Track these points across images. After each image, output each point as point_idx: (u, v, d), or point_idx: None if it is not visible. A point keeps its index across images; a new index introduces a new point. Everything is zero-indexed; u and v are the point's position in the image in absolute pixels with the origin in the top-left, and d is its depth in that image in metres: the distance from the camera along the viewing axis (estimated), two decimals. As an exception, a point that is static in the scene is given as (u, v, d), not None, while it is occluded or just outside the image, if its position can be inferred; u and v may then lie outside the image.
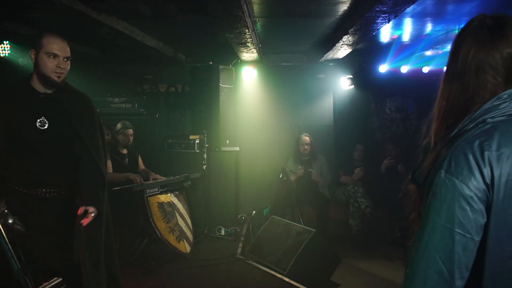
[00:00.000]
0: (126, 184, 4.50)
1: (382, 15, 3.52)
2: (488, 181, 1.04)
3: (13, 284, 1.50)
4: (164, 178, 4.98)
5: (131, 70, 6.35)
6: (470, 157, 1.05)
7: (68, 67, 2.35)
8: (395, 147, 5.70)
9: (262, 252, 4.45)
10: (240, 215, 5.91)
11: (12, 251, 1.46)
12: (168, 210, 4.74)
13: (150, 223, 4.45)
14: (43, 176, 2.35)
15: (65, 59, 2.33)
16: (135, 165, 5.11)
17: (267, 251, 4.42)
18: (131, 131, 4.98)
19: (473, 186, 1.04)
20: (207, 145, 5.56)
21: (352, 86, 6.27)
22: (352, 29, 4.03)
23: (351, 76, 6.23)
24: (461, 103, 1.15)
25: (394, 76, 6.04)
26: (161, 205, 4.69)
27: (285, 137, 6.18)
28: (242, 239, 5.19)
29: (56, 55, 2.28)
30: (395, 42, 5.29)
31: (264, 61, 6.09)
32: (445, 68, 1.21)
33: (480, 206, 1.04)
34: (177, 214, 4.85)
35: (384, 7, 3.28)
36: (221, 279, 4.09)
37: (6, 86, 2.39)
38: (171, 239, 4.56)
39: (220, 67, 5.79)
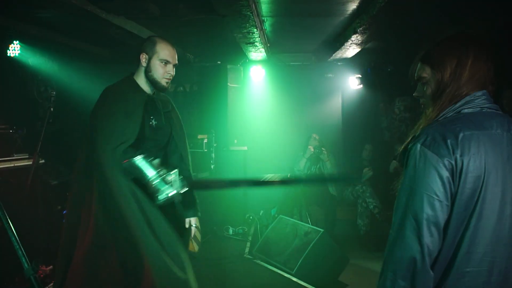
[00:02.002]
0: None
1: (392, 14, 3.50)
2: (457, 158, 1.23)
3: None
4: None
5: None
6: (444, 136, 1.26)
7: (174, 73, 2.45)
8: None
9: (270, 252, 4.44)
10: (247, 215, 5.91)
11: (22, 250, 1.47)
12: (176, 209, 4.75)
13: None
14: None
15: (174, 66, 2.44)
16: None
17: (275, 250, 4.41)
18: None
19: (444, 159, 1.24)
20: (215, 144, 5.56)
21: (361, 86, 6.24)
22: (361, 28, 4.01)
23: (360, 76, 6.20)
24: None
25: (403, 75, 5.99)
26: (169, 204, 4.70)
27: (293, 136, 6.17)
28: (250, 239, 5.19)
29: (168, 62, 2.38)
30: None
31: (272, 60, 6.08)
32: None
33: (448, 176, 1.23)
34: (185, 213, 4.86)
35: (393, 6, 3.26)
36: (229, 278, 4.09)
37: (118, 85, 2.45)
38: (179, 238, 4.57)
39: (228, 66, 5.80)
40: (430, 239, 1.23)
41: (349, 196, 5.44)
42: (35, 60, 5.29)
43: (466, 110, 1.34)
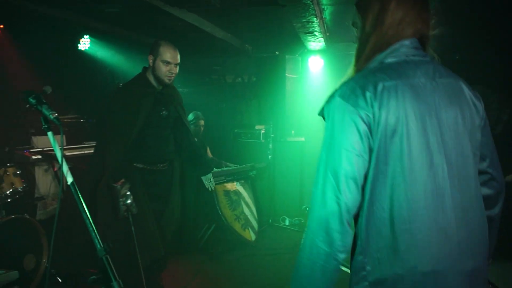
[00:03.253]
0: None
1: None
2: (375, 111, 1.15)
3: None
4: (235, 166, 5.12)
5: (199, 61, 6.53)
6: (363, 88, 1.18)
7: (177, 71, 2.84)
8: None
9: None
10: (304, 206, 5.89)
11: (96, 231, 1.57)
12: (234, 198, 4.85)
13: (216, 210, 4.58)
14: (160, 154, 2.91)
15: (175, 65, 2.81)
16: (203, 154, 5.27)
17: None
18: (202, 122, 5.13)
19: (362, 112, 1.16)
20: (272, 135, 5.59)
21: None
22: (427, 15, 3.82)
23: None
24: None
25: (473, 64, 5.65)
26: (227, 193, 4.81)
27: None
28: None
29: (169, 63, 2.76)
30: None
31: (331, 50, 5.97)
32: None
33: (366, 129, 1.16)
34: (242, 203, 4.94)
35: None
36: (285, 269, 4.12)
37: (130, 84, 2.92)
38: (237, 226, 4.67)
39: (286, 57, 5.77)
40: (349, 195, 1.15)
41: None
42: (103, 53, 5.59)
43: (389, 60, 1.24)
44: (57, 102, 2.60)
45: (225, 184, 4.83)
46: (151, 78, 2.83)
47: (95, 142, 4.76)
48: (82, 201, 1.61)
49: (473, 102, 1.26)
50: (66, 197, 3.82)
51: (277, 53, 5.86)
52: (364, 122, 1.16)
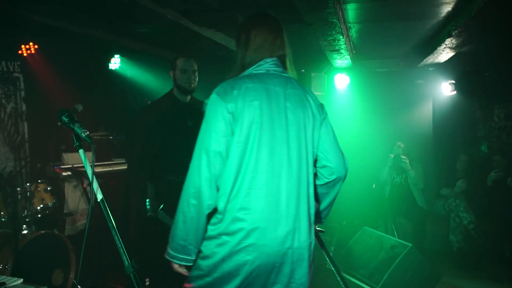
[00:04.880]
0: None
1: (492, 15, 3.24)
2: (238, 104, 1.59)
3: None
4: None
5: (225, 79, 6.58)
6: (232, 87, 1.63)
7: (197, 78, 2.98)
8: (504, 158, 5.17)
9: (353, 264, 4.31)
10: (329, 224, 5.79)
11: (124, 248, 1.58)
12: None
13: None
14: (183, 160, 2.80)
15: (193, 72, 2.94)
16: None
17: (358, 263, 4.27)
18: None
19: (228, 104, 1.59)
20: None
21: (455, 92, 5.84)
22: (456, 31, 3.76)
23: (454, 81, 5.81)
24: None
25: (504, 80, 5.51)
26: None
27: (379, 145, 5.93)
28: (332, 249, 5.08)
29: (186, 70, 2.92)
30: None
31: (358, 67, 5.94)
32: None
33: (230, 118, 1.58)
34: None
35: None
36: (311, 289, 4.04)
37: (159, 99, 3.06)
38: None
39: (312, 74, 5.77)
40: (217, 166, 1.59)
41: (441, 210, 5.09)
42: (132, 71, 5.72)
43: (255, 71, 1.72)
44: (88, 119, 2.67)
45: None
46: (176, 92, 2.99)
47: (124, 159, 4.86)
48: (112, 218, 1.63)
49: (316, 108, 1.75)
50: (94, 213, 3.89)
51: (303, 70, 5.87)
52: (229, 112, 1.59)
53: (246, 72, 1.72)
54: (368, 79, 6.11)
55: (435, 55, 4.87)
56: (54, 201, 3.63)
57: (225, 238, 1.59)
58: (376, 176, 5.11)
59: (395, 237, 4.44)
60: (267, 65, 1.72)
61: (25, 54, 4.51)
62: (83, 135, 1.64)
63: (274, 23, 1.80)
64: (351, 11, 3.67)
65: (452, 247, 4.80)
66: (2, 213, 3.37)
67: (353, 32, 4.38)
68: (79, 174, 4.26)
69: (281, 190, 1.62)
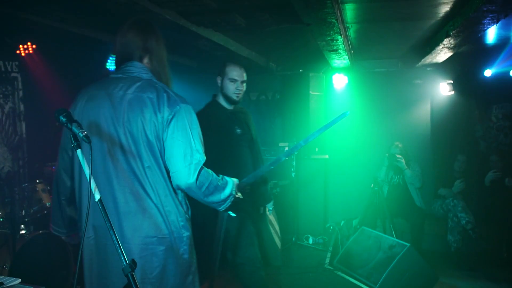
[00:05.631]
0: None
1: (490, 15, 3.24)
2: (77, 106, 1.88)
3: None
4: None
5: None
6: (79, 93, 1.94)
7: (244, 89, 2.95)
8: (501, 158, 5.19)
9: (352, 264, 4.31)
10: (328, 224, 5.80)
11: (121, 248, 1.57)
12: (257, 216, 4.82)
13: (240, 228, 4.55)
14: (233, 170, 2.81)
15: (242, 82, 2.91)
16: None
17: (357, 263, 4.28)
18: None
19: (72, 106, 1.89)
20: (296, 152, 5.56)
21: (453, 92, 5.85)
22: (454, 31, 3.76)
23: (452, 82, 5.82)
24: None
25: (502, 81, 5.52)
26: (250, 210, 4.78)
27: (377, 145, 5.94)
28: (331, 249, 5.09)
29: (236, 80, 2.87)
30: (509, 44, 4.84)
31: (356, 67, 5.95)
32: None
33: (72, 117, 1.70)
34: (265, 220, 4.90)
35: (492, 6, 3.02)
36: (309, 288, 4.05)
37: (203, 109, 2.99)
38: (260, 244, 4.62)
39: (310, 74, 5.78)
40: (61, 161, 1.93)
41: (439, 210, 5.10)
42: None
43: (112, 75, 1.88)
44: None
45: (249, 202, 4.81)
46: (221, 100, 2.96)
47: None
48: (109, 218, 1.63)
49: (158, 110, 1.76)
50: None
51: (301, 70, 5.88)
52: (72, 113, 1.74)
53: (109, 75, 1.95)
54: (366, 79, 6.11)
55: (433, 55, 4.87)
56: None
57: None
58: (374, 176, 5.12)
59: (393, 237, 4.44)
60: (126, 68, 1.88)
61: (23, 54, 4.50)
62: (81, 135, 1.63)
63: (143, 27, 1.97)
64: (349, 11, 3.67)
65: (450, 247, 4.81)
66: (0, 213, 3.36)
67: (351, 32, 4.39)
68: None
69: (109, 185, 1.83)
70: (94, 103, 1.80)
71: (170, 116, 1.75)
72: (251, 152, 3.08)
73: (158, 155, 1.77)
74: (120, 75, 1.85)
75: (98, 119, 1.77)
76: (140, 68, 1.86)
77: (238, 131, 2.95)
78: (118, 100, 1.77)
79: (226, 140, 2.88)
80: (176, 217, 1.81)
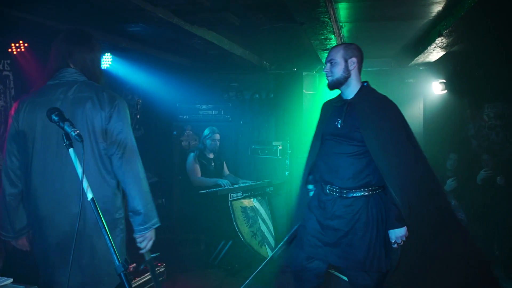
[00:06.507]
0: (212, 188, 4.67)
1: (482, 15, 3.27)
2: (19, 116, 2.09)
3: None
4: (252, 182, 5.11)
5: (218, 78, 6.59)
6: (18, 101, 2.14)
7: (333, 69, 2.74)
8: (493, 157, 5.23)
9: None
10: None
11: (114, 247, 1.57)
12: (251, 215, 4.82)
13: (233, 227, 4.56)
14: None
15: (329, 62, 2.74)
16: (220, 169, 5.28)
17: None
18: (218, 136, 5.17)
19: (14, 116, 2.10)
20: (290, 151, 5.57)
21: (445, 91, 5.89)
22: (446, 31, 3.79)
23: (444, 81, 5.85)
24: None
25: (493, 80, 5.57)
26: (244, 209, 4.79)
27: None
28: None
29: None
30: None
31: (349, 66, 5.96)
32: None
33: (17, 127, 2.11)
34: (259, 219, 4.91)
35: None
36: None
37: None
38: (254, 243, 4.63)
39: (304, 73, 5.79)
40: (9, 162, 2.11)
41: (431, 208, 5.13)
42: (123, 70, 5.68)
43: (50, 82, 2.09)
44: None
45: (242, 200, 4.82)
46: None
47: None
48: (102, 217, 1.62)
49: (100, 106, 2.03)
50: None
51: (294, 69, 5.88)
52: (16, 123, 2.07)
53: (46, 84, 2.15)
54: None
55: (426, 54, 4.90)
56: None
57: None
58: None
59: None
60: (61, 74, 2.11)
61: (14, 53, 4.46)
62: (73, 134, 1.63)
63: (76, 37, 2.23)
64: (342, 10, 3.68)
65: (442, 245, 4.84)
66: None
67: (344, 32, 4.40)
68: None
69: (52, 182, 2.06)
70: (38, 108, 2.01)
71: (113, 110, 2.04)
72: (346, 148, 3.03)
73: (100, 145, 2.05)
74: (57, 81, 2.07)
75: (45, 120, 1.80)
76: (73, 73, 2.10)
77: (339, 122, 3.04)
78: (60, 103, 1.99)
79: (327, 132, 3.15)
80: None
